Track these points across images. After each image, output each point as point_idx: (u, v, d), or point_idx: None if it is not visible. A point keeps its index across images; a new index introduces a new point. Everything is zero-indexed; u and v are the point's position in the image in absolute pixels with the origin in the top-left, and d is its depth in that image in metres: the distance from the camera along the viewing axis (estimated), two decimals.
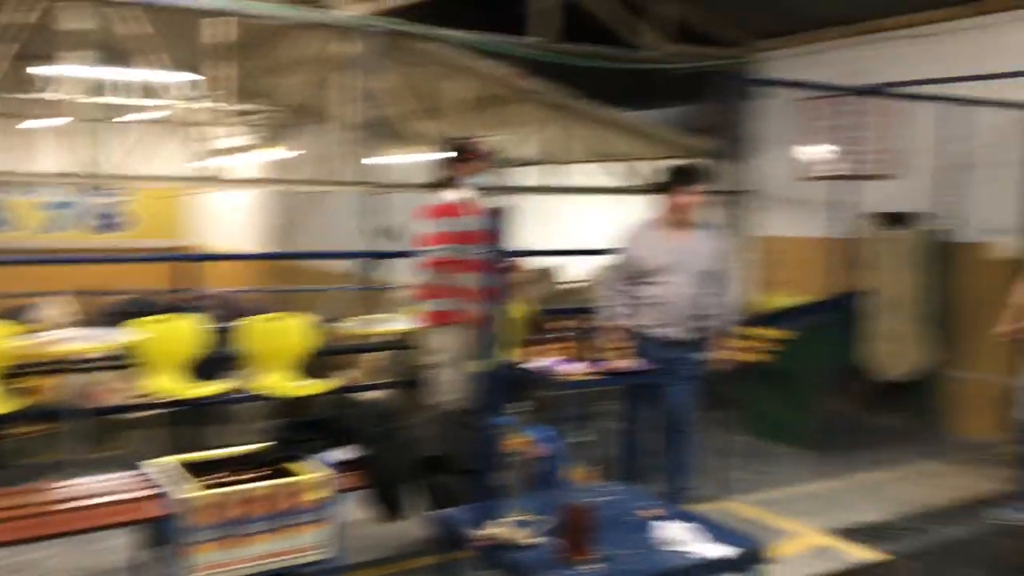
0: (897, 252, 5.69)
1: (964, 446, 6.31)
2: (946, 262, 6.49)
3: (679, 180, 4.73)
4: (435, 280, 4.69)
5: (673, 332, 4.72)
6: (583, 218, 10.27)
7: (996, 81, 6.22)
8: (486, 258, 3.70)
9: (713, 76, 8.39)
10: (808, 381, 6.06)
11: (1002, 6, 6.51)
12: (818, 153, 7.79)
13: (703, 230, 4.85)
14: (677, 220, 4.77)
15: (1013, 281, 4.89)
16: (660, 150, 8.58)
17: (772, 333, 6.28)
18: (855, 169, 7.56)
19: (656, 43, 8.02)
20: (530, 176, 9.70)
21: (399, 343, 5.81)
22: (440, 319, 4.69)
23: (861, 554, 4.33)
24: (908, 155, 7.02)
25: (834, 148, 7.69)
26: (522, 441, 3.22)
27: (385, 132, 8.43)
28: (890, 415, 6.79)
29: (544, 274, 8.19)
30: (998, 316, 5.10)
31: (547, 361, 4.46)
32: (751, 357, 6.22)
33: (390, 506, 3.84)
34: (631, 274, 4.81)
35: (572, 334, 4.65)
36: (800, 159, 7.95)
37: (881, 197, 6.99)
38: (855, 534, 4.66)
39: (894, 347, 5.68)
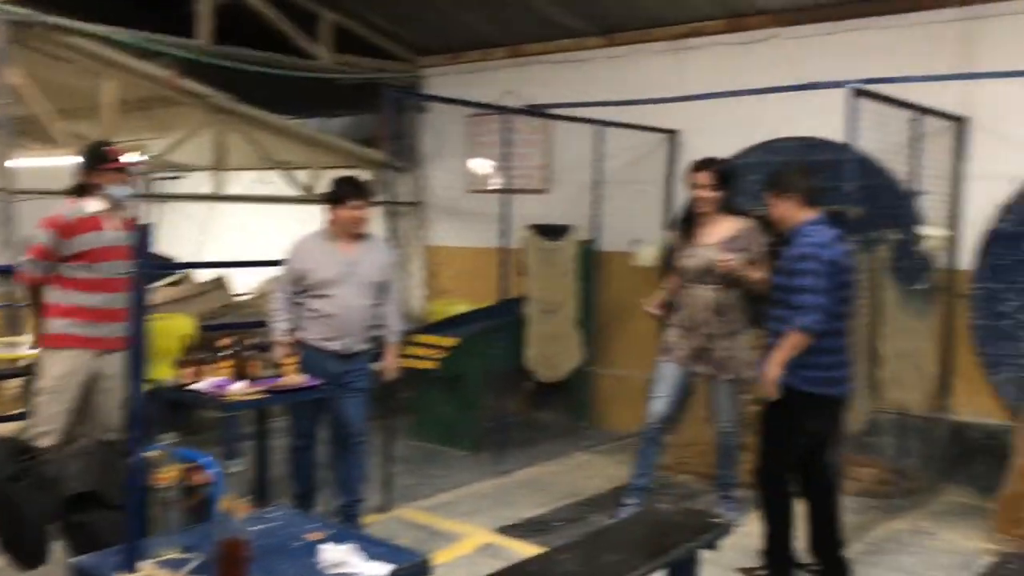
0: (552, 261, 6.10)
1: (613, 438, 6.93)
2: (594, 270, 7.10)
3: (347, 192, 4.73)
4: (36, 298, 4.38)
5: (344, 344, 4.71)
6: (259, 227, 10.00)
7: (640, 106, 6.95)
8: (128, 274, 3.45)
9: (382, 88, 8.54)
10: (476, 385, 6.33)
11: (631, 40, 7.22)
12: (484, 167, 8.21)
13: (372, 241, 4.89)
14: (345, 232, 4.76)
15: (663, 278, 5.42)
16: (332, 159, 8.54)
17: (442, 340, 6.48)
18: (515, 183, 8.05)
19: (326, 53, 7.98)
20: (201, 183, 9.26)
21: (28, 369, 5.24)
22: (53, 342, 4.34)
23: (523, 549, 4.59)
24: (562, 172, 7.61)
25: (497, 163, 8.15)
26: (177, 471, 3.04)
27: (31, 131, 7.63)
28: (552, 412, 7.30)
29: (217, 285, 7.82)
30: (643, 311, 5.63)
31: (208, 382, 4.25)
32: (422, 364, 6.39)
33: (28, 553, 3.46)
34: (300, 287, 4.74)
35: (236, 350, 4.46)
36: (469, 172, 8.34)
37: (542, 210, 7.51)
38: (518, 529, 4.95)
39: (552, 349, 6.10)
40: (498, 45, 8.09)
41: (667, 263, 5.23)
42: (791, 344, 3.95)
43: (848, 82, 4.56)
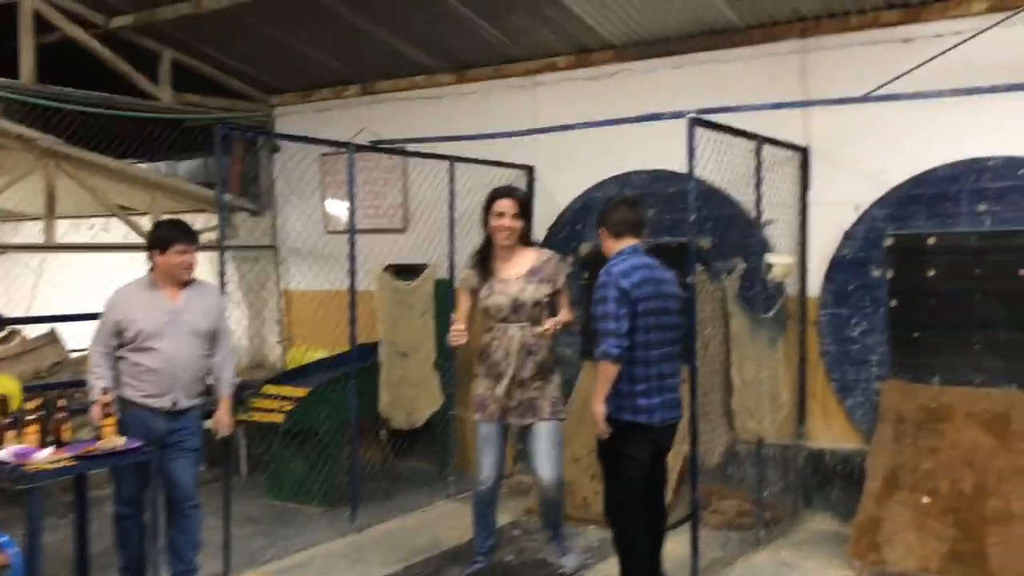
0: (407, 302, 5.86)
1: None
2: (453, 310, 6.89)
3: (172, 236, 4.40)
4: None
5: (171, 401, 4.34)
6: (100, 277, 9.39)
7: (498, 144, 6.84)
8: None
9: (219, 126, 8.19)
10: (329, 437, 6.00)
11: (483, 76, 7.13)
12: (340, 208, 7.93)
13: (200, 287, 4.55)
14: (171, 279, 4.42)
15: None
16: (176, 204, 8.12)
17: (291, 391, 6.14)
18: (373, 224, 7.82)
19: (168, 93, 7.60)
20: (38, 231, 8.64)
21: None
22: None
23: None
24: (421, 210, 7.40)
25: (352, 203, 7.89)
26: None
27: None
28: (415, 461, 7.02)
29: (49, 340, 7.25)
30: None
31: (8, 450, 3.82)
32: (269, 418, 6.03)
33: None
34: (120, 340, 4.35)
35: (44, 413, 4.04)
36: (325, 214, 8.05)
37: (401, 250, 7.30)
38: None
39: (408, 394, 5.83)
40: (350, 82, 7.88)
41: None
42: (601, 375, 4.06)
43: (688, 112, 4.53)
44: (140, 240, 7.72)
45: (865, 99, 5.24)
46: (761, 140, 5.23)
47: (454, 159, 6.41)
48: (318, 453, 6.03)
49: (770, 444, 5.52)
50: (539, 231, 6.65)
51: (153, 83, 7.51)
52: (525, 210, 4.67)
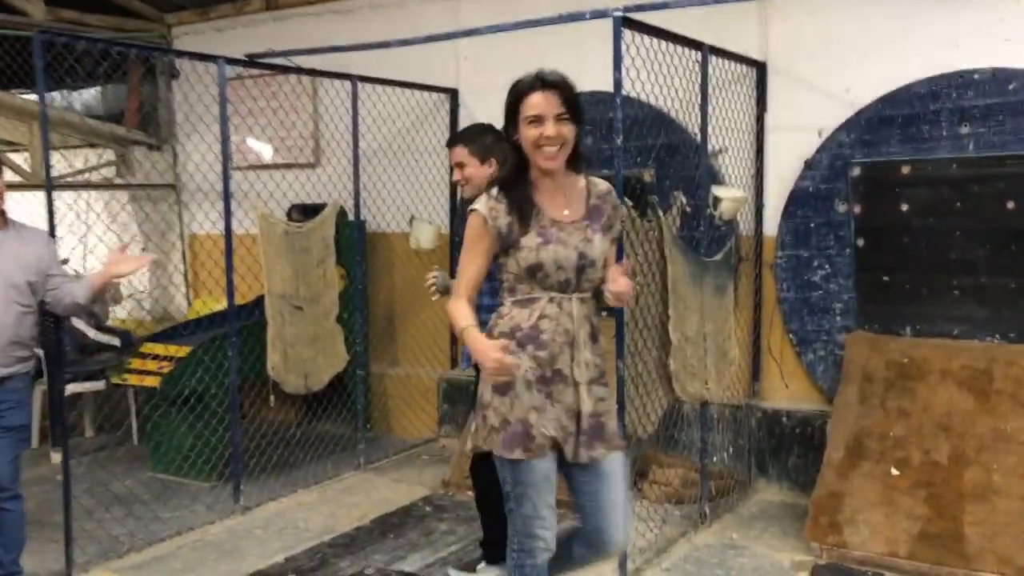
0: (302, 247, 5.04)
1: (397, 448, 5.97)
2: (368, 255, 6.09)
3: None
4: None
5: None
6: None
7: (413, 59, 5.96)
8: None
9: (123, 50, 7.23)
10: (216, 402, 5.19)
11: None
12: (246, 141, 7.05)
13: (16, 229, 3.71)
14: None
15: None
16: (65, 138, 7.20)
17: (169, 350, 5.33)
18: (281, 158, 6.95)
19: (39, 9, 6.61)
20: None
21: None
22: None
23: None
24: (334, 143, 6.52)
25: (261, 135, 7.01)
26: None
27: None
28: (326, 425, 6.26)
29: None
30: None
31: None
32: (144, 381, 5.23)
33: None
34: None
35: None
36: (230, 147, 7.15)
37: (312, 187, 6.45)
38: None
39: (304, 354, 5.04)
40: None
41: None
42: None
43: (614, 10, 3.69)
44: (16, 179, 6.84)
45: None
46: (708, 50, 4.41)
47: (358, 78, 5.53)
48: (204, 421, 5.23)
49: (718, 405, 4.81)
50: None
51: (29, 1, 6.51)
52: (575, 110, 2.68)
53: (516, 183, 2.72)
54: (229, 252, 4.66)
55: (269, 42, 6.76)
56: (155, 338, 5.62)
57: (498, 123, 5.74)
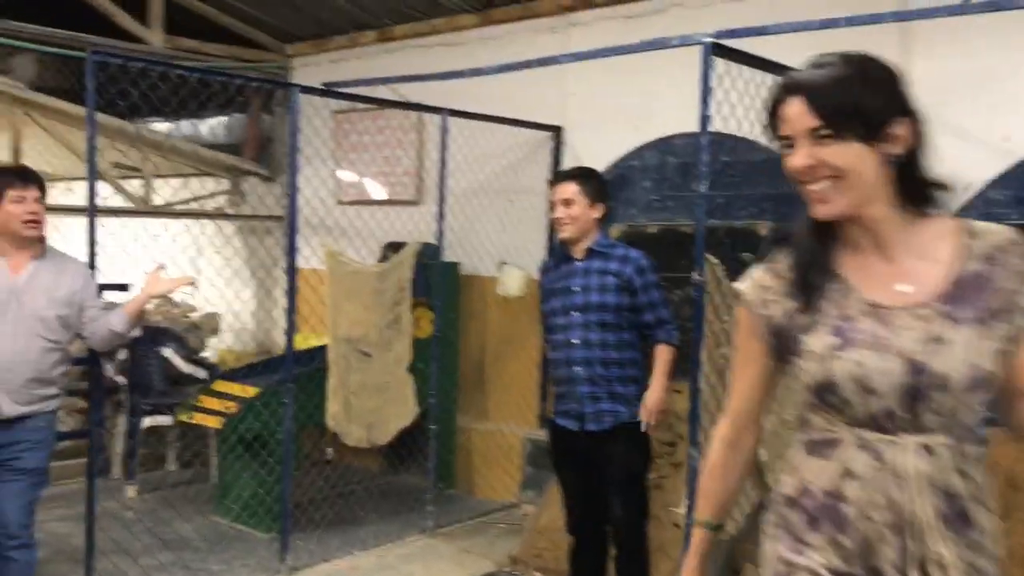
0: (374, 289, 4.70)
1: (473, 511, 5.50)
2: (459, 299, 5.72)
3: (3, 183, 3.39)
4: None
5: (1, 405, 3.32)
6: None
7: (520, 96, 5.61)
8: None
9: (244, 81, 7.23)
10: (281, 448, 4.89)
11: (510, 17, 5.87)
12: (354, 175, 6.86)
13: (54, 258, 3.53)
14: (12, 240, 3.42)
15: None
16: (173, 165, 7.25)
17: (242, 389, 5.08)
18: (385, 193, 6.70)
19: (157, 37, 6.66)
20: None
21: None
22: None
23: None
24: (436, 178, 6.21)
25: (365, 169, 6.80)
26: None
27: None
28: (403, 476, 5.88)
29: None
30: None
31: None
32: (207, 420, 5.00)
33: None
34: None
35: None
36: (340, 181, 6.98)
37: (413, 225, 6.17)
38: None
39: (369, 404, 4.68)
40: (368, 28, 6.75)
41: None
42: (671, 363, 3.65)
43: (704, 37, 3.16)
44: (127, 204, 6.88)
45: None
46: None
47: (448, 112, 5.18)
48: (269, 468, 4.94)
49: None
50: None
51: (141, 24, 6.57)
52: (852, 119, 1.52)
53: (809, 240, 1.62)
54: (292, 290, 4.36)
55: (381, 73, 6.56)
56: (232, 375, 5.41)
57: (604, 165, 5.32)
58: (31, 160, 6.31)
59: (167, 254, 5.51)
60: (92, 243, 3.70)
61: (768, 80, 3.49)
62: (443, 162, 5.09)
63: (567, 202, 3.59)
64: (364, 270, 4.66)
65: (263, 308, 7.52)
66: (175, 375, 6.27)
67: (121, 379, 5.84)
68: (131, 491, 5.68)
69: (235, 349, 7.47)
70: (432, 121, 6.03)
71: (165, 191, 7.41)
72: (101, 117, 6.36)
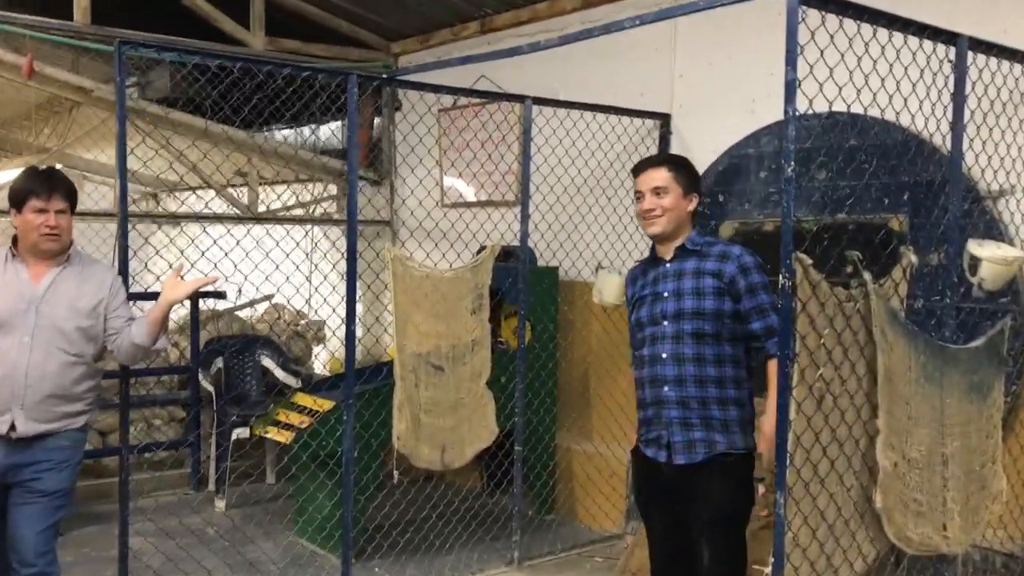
0: (448, 296, 4.27)
1: (573, 541, 4.98)
2: (560, 306, 5.24)
3: (27, 188, 3.18)
4: None
5: (7, 422, 3.10)
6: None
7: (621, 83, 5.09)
8: None
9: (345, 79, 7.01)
10: (360, 465, 4.54)
11: None
12: (457, 176, 6.50)
13: (80, 264, 3.29)
14: (33, 249, 3.20)
15: None
16: (284, 172, 7.12)
17: (320, 402, 4.77)
18: (486, 194, 6.29)
19: (261, 39, 6.51)
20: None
21: None
22: None
23: None
24: (540, 175, 5.75)
25: (470, 169, 6.41)
26: None
27: None
28: (488, 500, 5.42)
29: None
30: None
31: None
32: (279, 435, 4.71)
33: None
34: None
35: None
36: (443, 183, 6.63)
37: (517, 226, 5.73)
38: None
39: (441, 423, 4.23)
40: (470, 19, 6.37)
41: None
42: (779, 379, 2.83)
43: None
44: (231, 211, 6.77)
45: None
46: (968, 43, 3.05)
47: (533, 100, 4.68)
48: (343, 485, 4.59)
49: (972, 555, 3.34)
50: None
51: (242, 26, 6.44)
52: None
53: None
54: (352, 298, 3.98)
55: (483, 67, 6.15)
56: (318, 386, 5.11)
57: (715, 153, 4.70)
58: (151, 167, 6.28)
59: (275, 261, 5.30)
60: (124, 248, 3.44)
61: (887, 38, 2.82)
62: (526, 155, 4.61)
63: (658, 191, 3.05)
64: (434, 275, 4.23)
65: (371, 314, 7.26)
66: (273, 384, 6.09)
67: (209, 387, 5.68)
68: (219, 505, 5.50)
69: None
70: (539, 114, 5.57)
71: (271, 197, 7.30)
72: (212, 125, 6.35)
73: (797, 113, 2.54)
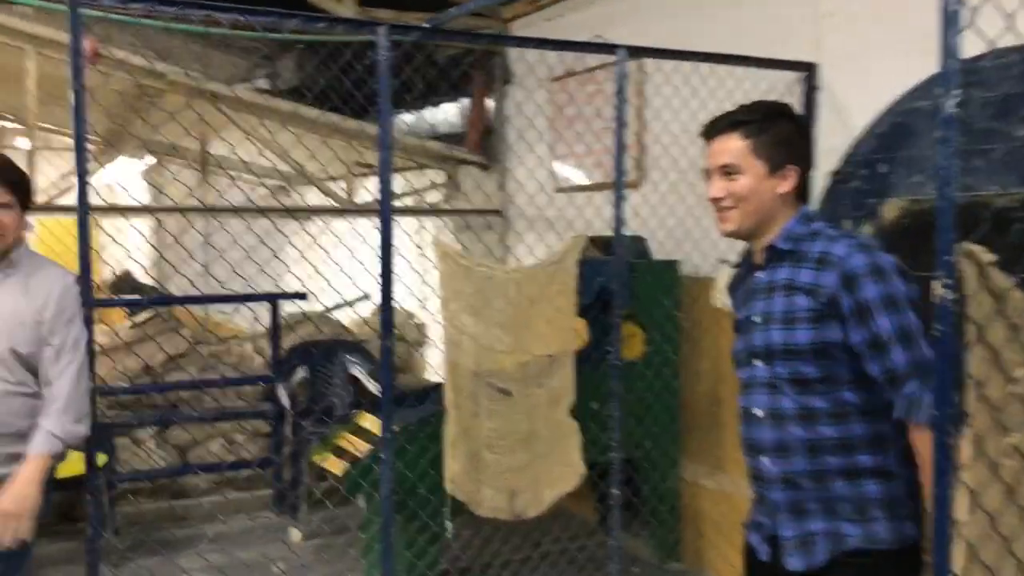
0: (519, 298, 3.39)
1: None
2: (673, 309, 4.25)
3: None
4: None
5: None
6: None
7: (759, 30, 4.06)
8: None
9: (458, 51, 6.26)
10: (428, 502, 3.76)
11: None
12: (570, 155, 5.61)
13: (28, 274, 2.65)
14: None
15: None
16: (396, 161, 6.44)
17: (375, 424, 4.02)
18: (599, 175, 5.36)
19: (352, 8, 5.84)
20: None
21: None
22: None
23: None
24: (663, 152, 4.78)
25: (584, 147, 5.49)
26: None
27: None
28: (603, 539, 4.48)
29: (172, 327, 5.99)
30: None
31: None
32: (331, 464, 4.01)
33: None
34: None
35: None
36: (555, 165, 5.74)
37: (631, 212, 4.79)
38: None
39: (510, 461, 3.37)
40: None
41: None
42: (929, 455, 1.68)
43: None
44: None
45: None
46: None
47: (629, 51, 3.67)
48: (417, 526, 3.83)
49: None
50: (819, 175, 3.75)
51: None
52: None
53: None
54: (387, 299, 3.18)
55: (596, 27, 5.22)
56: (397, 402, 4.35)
57: (873, 112, 3.60)
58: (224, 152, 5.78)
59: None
60: (85, 246, 2.76)
61: None
62: (619, 120, 3.62)
63: (728, 170, 2.06)
64: (498, 275, 3.36)
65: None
66: (364, 396, 5.42)
67: (285, 400, 5.06)
68: (294, 535, 4.88)
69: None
70: (659, 78, 4.59)
71: (371, 187, 6.67)
72: (324, 115, 5.76)
73: (954, 39, 1.50)
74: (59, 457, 2.64)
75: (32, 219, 2.95)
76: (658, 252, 4.65)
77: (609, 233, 4.24)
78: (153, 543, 4.72)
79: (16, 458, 2.58)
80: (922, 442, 1.79)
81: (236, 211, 5.45)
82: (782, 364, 2.00)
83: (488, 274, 3.32)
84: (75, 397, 2.62)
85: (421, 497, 3.66)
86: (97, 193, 3.12)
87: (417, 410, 3.82)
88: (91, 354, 2.73)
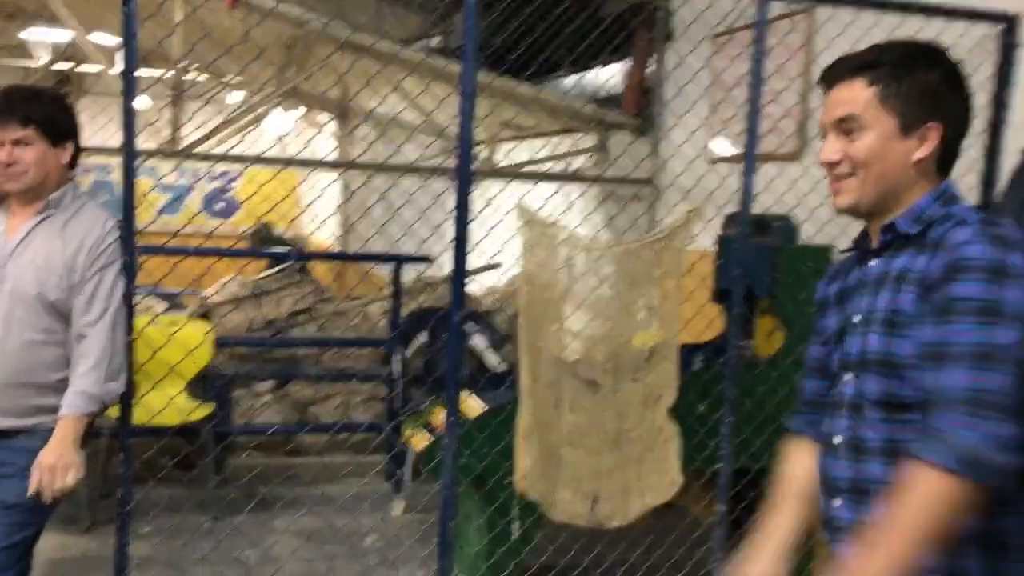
0: (615, 277, 2.95)
1: None
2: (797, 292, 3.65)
3: None
4: None
5: None
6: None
7: None
8: None
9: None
10: (504, 489, 3.42)
11: None
12: (728, 122, 5.03)
13: (62, 218, 2.49)
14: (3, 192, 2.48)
15: None
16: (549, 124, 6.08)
17: (474, 405, 3.69)
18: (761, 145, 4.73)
19: None
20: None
21: None
22: None
23: None
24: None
25: (734, 112, 4.89)
26: None
27: None
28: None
29: (300, 279, 5.91)
30: None
31: None
32: (416, 440, 3.74)
33: None
34: None
35: None
36: (713, 132, 5.16)
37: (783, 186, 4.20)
38: None
39: (602, 462, 2.95)
40: None
41: None
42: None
43: None
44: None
45: None
46: None
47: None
48: (498, 522, 3.50)
49: None
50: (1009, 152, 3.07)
51: None
52: None
53: None
54: (460, 277, 2.82)
55: None
56: (486, 384, 4.03)
57: None
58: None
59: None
60: (129, 189, 2.55)
61: None
62: (755, 75, 3.07)
63: (845, 126, 1.55)
64: (593, 250, 2.92)
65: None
66: (483, 368, 5.14)
67: (397, 367, 4.83)
68: (396, 508, 4.68)
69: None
70: (832, 29, 3.95)
71: (520, 152, 6.31)
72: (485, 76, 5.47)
73: None
74: (95, 415, 2.49)
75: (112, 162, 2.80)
76: (818, 235, 4.04)
77: (760, 212, 3.71)
78: (256, 500, 4.65)
79: (42, 409, 2.44)
80: (919, 483, 1.33)
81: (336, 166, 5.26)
82: (875, 380, 1.50)
83: (581, 245, 2.89)
84: (109, 352, 2.44)
85: (508, 487, 3.33)
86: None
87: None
88: (129, 305, 2.56)
